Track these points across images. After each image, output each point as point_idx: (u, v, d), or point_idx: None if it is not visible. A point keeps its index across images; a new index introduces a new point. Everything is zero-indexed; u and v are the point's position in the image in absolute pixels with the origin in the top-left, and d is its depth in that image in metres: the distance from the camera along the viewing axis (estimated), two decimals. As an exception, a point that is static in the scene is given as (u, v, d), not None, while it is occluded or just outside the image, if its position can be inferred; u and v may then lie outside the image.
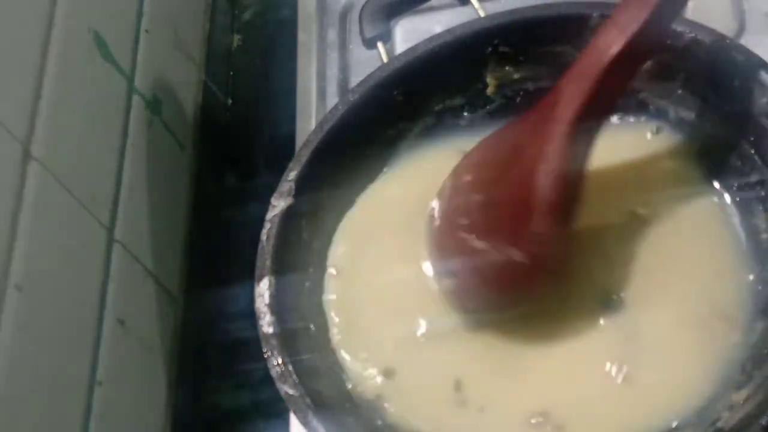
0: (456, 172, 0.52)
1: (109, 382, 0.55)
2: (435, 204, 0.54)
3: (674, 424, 0.49)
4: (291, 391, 0.49)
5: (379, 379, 0.53)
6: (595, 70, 0.42)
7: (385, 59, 0.59)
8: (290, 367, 0.49)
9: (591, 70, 0.43)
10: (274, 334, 0.51)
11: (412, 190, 0.58)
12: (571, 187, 0.45)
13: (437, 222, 0.52)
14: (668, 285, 0.52)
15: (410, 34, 0.69)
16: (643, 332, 0.50)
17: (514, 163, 0.46)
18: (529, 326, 0.51)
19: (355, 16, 0.68)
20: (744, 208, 0.54)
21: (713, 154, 0.55)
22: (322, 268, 0.57)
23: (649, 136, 0.56)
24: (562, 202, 0.44)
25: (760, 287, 0.51)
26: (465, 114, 0.60)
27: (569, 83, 0.44)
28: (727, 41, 0.52)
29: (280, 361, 0.50)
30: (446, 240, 0.52)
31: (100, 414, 0.53)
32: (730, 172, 0.54)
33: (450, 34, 0.57)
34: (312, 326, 0.54)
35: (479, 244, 0.48)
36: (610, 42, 0.42)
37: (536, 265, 0.46)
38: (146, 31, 0.66)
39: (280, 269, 0.53)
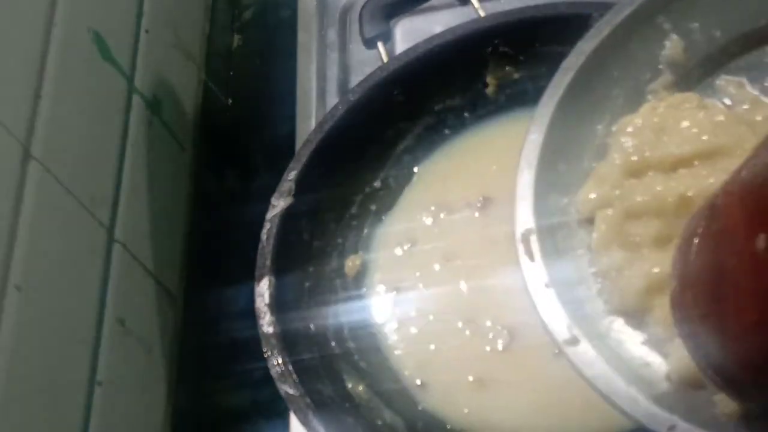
0: None
1: (109, 382, 0.55)
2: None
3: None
4: (291, 391, 0.49)
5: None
6: None
7: (385, 59, 0.59)
8: (290, 367, 0.50)
9: None
10: (274, 334, 0.51)
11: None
12: None
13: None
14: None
15: (410, 34, 0.69)
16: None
17: None
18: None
19: (355, 16, 0.68)
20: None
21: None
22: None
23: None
24: None
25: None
26: (465, 114, 0.60)
27: None
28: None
29: (280, 360, 0.50)
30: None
31: (100, 414, 0.53)
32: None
33: (450, 34, 0.57)
34: (312, 326, 0.54)
35: None
36: None
37: None
38: (146, 31, 0.66)
39: (280, 269, 0.53)
